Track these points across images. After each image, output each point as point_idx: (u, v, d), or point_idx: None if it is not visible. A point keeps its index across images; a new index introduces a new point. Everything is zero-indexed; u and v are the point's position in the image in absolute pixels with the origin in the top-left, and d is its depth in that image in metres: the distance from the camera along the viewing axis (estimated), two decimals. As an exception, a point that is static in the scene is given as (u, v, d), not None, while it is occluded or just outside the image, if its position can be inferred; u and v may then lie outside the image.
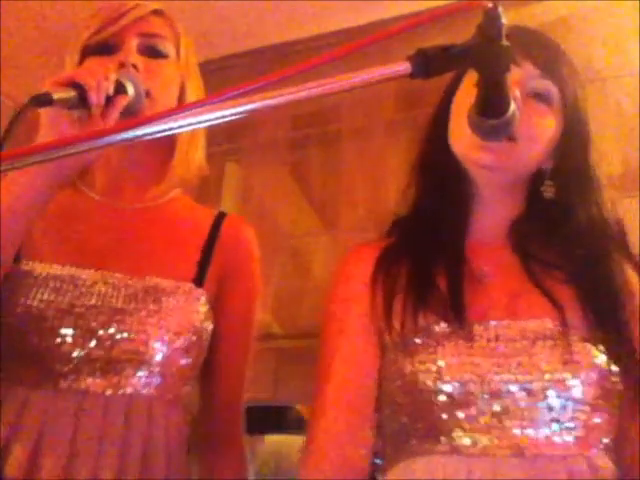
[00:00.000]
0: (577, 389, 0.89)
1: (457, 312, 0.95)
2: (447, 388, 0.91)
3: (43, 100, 0.89)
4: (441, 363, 0.92)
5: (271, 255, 2.20)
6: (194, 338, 1.09)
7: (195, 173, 1.22)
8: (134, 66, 1.09)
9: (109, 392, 1.02)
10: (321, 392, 1.00)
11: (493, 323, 0.95)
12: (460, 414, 0.90)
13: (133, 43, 1.11)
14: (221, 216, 1.23)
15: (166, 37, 1.16)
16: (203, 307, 1.12)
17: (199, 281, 1.13)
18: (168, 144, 1.17)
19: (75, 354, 1.02)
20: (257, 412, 1.86)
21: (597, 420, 0.91)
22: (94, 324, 1.03)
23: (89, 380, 1.02)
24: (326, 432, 0.98)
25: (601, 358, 0.92)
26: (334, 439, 0.97)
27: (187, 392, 1.13)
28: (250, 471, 1.23)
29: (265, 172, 2.45)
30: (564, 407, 0.89)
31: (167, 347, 1.05)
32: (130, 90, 1.01)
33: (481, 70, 0.73)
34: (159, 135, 0.64)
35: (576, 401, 0.89)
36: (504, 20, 0.67)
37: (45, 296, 1.04)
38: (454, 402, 0.90)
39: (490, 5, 0.67)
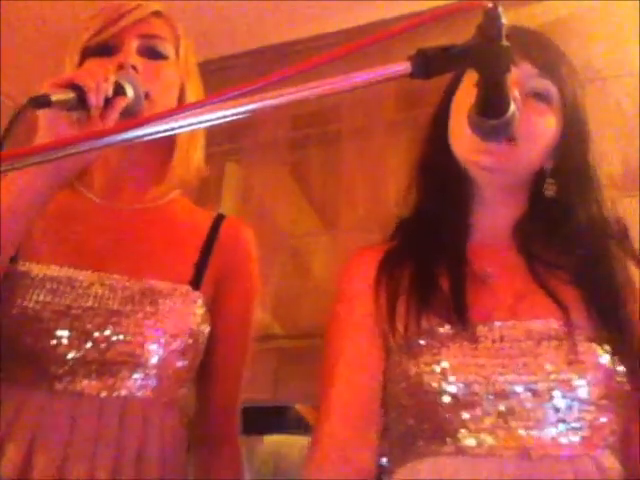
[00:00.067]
0: (583, 389, 0.89)
1: (460, 314, 0.95)
2: (452, 389, 0.91)
3: (41, 102, 0.88)
4: (445, 364, 0.92)
5: (271, 255, 2.20)
6: (190, 341, 1.09)
7: (194, 174, 1.22)
8: (134, 67, 1.09)
9: (104, 394, 1.02)
10: (326, 395, 1.00)
11: (498, 324, 0.95)
12: (465, 415, 0.90)
13: (133, 44, 1.11)
14: (220, 218, 1.23)
15: (166, 38, 1.16)
16: (200, 310, 1.11)
17: (196, 283, 1.13)
18: (168, 144, 1.17)
19: (70, 356, 1.02)
20: (257, 412, 1.86)
21: (603, 420, 0.90)
22: (90, 326, 1.03)
23: (84, 382, 1.02)
24: (331, 436, 0.98)
25: (606, 358, 0.92)
26: (339, 442, 0.97)
27: (183, 394, 1.13)
28: (249, 471, 1.23)
29: (265, 172, 2.45)
30: (570, 407, 0.89)
31: (163, 349, 1.05)
32: (129, 92, 1.01)
33: (481, 70, 0.72)
34: (159, 136, 0.64)
35: (582, 401, 0.89)
36: (504, 20, 0.67)
37: (41, 297, 1.04)
38: (459, 403, 0.90)
39: (490, 5, 0.67)
